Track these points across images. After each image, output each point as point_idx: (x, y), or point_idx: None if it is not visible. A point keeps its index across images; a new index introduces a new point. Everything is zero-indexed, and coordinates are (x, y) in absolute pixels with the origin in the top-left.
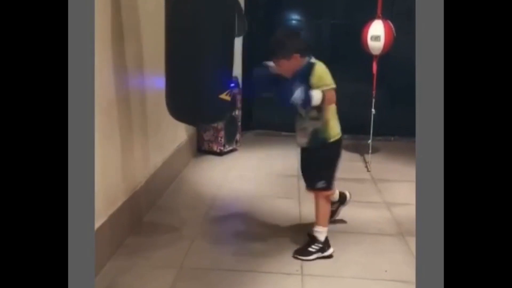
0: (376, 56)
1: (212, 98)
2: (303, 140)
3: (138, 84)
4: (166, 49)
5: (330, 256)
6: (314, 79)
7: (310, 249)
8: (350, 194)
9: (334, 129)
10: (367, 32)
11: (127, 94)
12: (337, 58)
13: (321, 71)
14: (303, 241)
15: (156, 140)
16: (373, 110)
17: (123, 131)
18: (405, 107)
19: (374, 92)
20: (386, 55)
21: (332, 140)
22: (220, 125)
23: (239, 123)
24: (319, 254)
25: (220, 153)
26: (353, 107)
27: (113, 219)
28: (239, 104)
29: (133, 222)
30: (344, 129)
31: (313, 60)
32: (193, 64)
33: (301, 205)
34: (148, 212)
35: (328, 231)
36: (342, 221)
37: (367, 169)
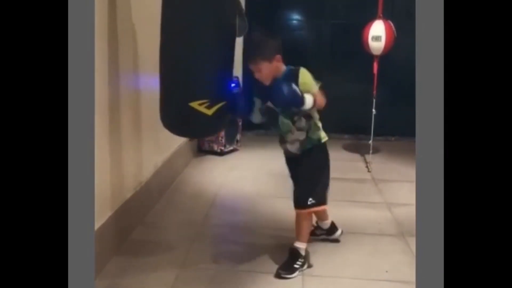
0: (376, 56)
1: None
2: (294, 147)
3: (139, 84)
4: (160, 52)
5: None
6: (300, 85)
7: (295, 265)
8: (342, 231)
9: (322, 131)
10: (367, 32)
11: (127, 94)
12: (337, 58)
13: (308, 76)
14: None
15: (157, 140)
16: (373, 110)
17: (123, 131)
18: (406, 107)
19: (374, 92)
20: (386, 55)
21: (324, 140)
22: None
23: (240, 123)
24: (300, 270)
25: (221, 153)
26: (354, 107)
27: (113, 219)
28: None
29: (133, 222)
30: (345, 129)
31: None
32: (181, 67)
33: None
34: (149, 212)
35: None
36: (341, 221)
37: (368, 169)
